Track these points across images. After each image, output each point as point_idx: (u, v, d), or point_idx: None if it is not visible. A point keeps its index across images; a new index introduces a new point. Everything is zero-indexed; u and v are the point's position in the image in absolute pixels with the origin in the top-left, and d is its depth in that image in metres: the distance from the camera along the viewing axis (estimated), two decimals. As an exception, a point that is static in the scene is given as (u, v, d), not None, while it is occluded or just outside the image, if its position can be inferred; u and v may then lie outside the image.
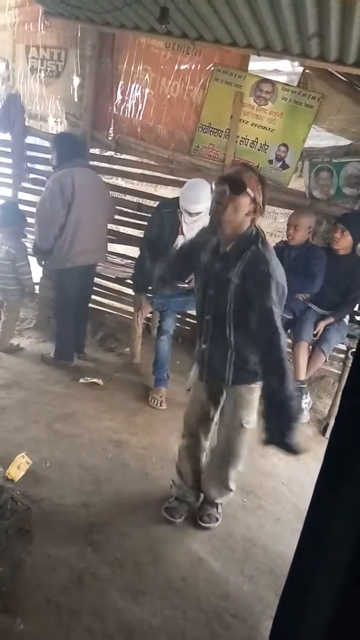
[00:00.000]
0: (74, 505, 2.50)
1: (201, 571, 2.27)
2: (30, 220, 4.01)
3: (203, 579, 2.23)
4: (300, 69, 3.67)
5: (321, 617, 0.83)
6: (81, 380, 3.72)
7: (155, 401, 3.56)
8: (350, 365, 3.47)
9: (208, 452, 2.54)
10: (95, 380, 3.74)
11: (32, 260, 3.90)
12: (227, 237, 2.08)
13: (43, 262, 3.84)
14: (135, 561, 2.24)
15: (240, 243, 2.06)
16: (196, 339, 2.37)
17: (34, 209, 4.36)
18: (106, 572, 2.16)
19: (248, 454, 3.18)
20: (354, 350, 3.47)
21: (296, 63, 3.52)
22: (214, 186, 2.05)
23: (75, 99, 4.28)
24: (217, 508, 2.56)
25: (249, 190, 1.99)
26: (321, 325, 3.51)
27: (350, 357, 3.47)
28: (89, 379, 3.74)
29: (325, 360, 3.55)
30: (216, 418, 2.44)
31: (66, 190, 3.47)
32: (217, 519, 2.54)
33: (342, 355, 3.66)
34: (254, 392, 2.28)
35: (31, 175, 4.63)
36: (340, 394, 3.57)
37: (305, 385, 3.50)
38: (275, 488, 2.95)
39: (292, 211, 3.81)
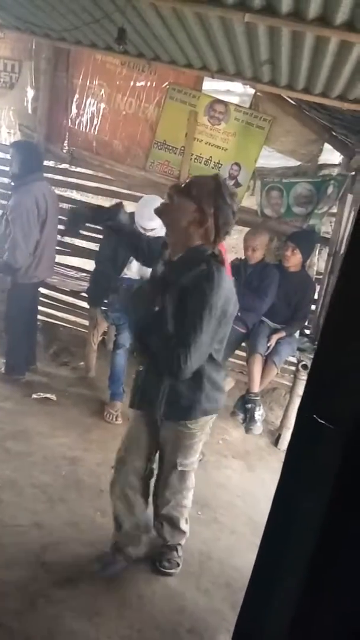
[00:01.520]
0: (26, 526, 2.43)
1: (157, 587, 2.25)
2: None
3: (159, 595, 2.22)
4: (252, 91, 3.81)
5: (280, 629, 0.86)
6: (33, 396, 3.63)
7: (111, 416, 3.53)
8: (301, 378, 3.59)
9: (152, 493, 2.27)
10: (48, 395, 3.66)
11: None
12: (173, 246, 1.90)
13: (9, 279, 3.63)
14: (90, 581, 2.20)
15: (187, 256, 1.84)
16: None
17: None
18: (60, 593, 2.11)
19: (201, 467, 3.23)
20: (304, 362, 3.59)
21: (248, 85, 3.65)
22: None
23: (29, 111, 4.25)
24: (176, 551, 2.33)
25: (194, 196, 1.78)
26: (274, 339, 3.62)
27: (301, 369, 3.59)
28: (41, 394, 3.66)
29: (277, 372, 3.64)
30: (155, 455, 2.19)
31: (41, 206, 3.43)
32: (178, 564, 2.33)
33: (293, 368, 3.78)
34: (194, 438, 2.04)
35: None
36: (291, 405, 3.68)
37: (259, 398, 3.57)
38: (230, 500, 2.98)
39: (244, 228, 3.92)
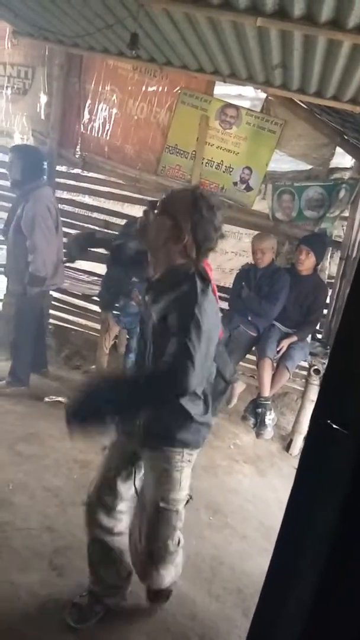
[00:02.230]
0: (38, 529, 2.43)
1: (168, 593, 2.24)
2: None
3: (170, 600, 2.21)
4: (263, 95, 3.81)
5: (293, 638, 0.85)
6: (46, 399, 3.65)
7: (122, 420, 3.52)
8: (313, 382, 3.56)
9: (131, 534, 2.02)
10: (60, 398, 3.67)
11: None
12: (154, 266, 1.74)
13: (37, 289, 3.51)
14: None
15: (170, 275, 1.68)
16: None
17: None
18: (71, 597, 2.10)
19: (213, 472, 3.22)
20: (316, 367, 3.57)
21: (259, 89, 3.66)
22: None
23: (42, 117, 4.30)
24: (163, 594, 2.13)
25: (170, 211, 1.65)
26: (285, 344, 3.60)
27: (313, 374, 3.56)
28: (53, 397, 3.68)
29: (289, 377, 3.62)
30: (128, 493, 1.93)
31: (52, 211, 3.43)
32: (167, 598, 2.14)
33: (305, 372, 3.75)
34: (177, 470, 1.79)
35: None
36: (303, 410, 3.65)
37: (269, 402, 3.56)
38: (241, 505, 2.97)
39: (255, 232, 3.91)
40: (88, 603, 2.01)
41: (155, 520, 1.86)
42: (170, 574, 2.02)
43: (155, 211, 1.69)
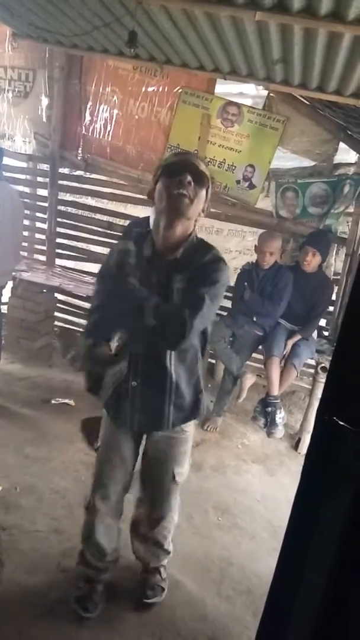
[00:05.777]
0: (46, 532, 2.42)
1: (178, 594, 2.22)
2: None
3: (180, 602, 2.19)
4: (265, 92, 3.79)
5: (302, 637, 0.83)
6: (52, 401, 3.65)
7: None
8: (320, 380, 3.53)
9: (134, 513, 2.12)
10: (66, 401, 3.67)
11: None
12: (173, 241, 1.65)
13: None
14: (110, 588, 2.18)
15: (191, 249, 1.66)
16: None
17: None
18: (80, 600, 2.09)
19: (221, 472, 3.20)
20: (323, 365, 3.54)
21: (261, 87, 3.64)
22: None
23: (44, 119, 4.31)
24: (159, 575, 2.16)
25: (209, 183, 1.65)
26: (290, 343, 3.57)
27: (320, 371, 3.53)
28: (60, 399, 3.67)
29: (297, 375, 3.59)
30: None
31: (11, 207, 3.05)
32: (162, 589, 2.15)
33: (312, 370, 3.72)
34: (188, 442, 1.91)
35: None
36: (311, 408, 3.62)
37: (279, 401, 3.53)
38: (250, 505, 2.94)
39: (259, 230, 3.88)
40: (89, 588, 2.04)
41: (169, 495, 1.98)
42: (171, 550, 2.13)
43: (195, 183, 1.68)
